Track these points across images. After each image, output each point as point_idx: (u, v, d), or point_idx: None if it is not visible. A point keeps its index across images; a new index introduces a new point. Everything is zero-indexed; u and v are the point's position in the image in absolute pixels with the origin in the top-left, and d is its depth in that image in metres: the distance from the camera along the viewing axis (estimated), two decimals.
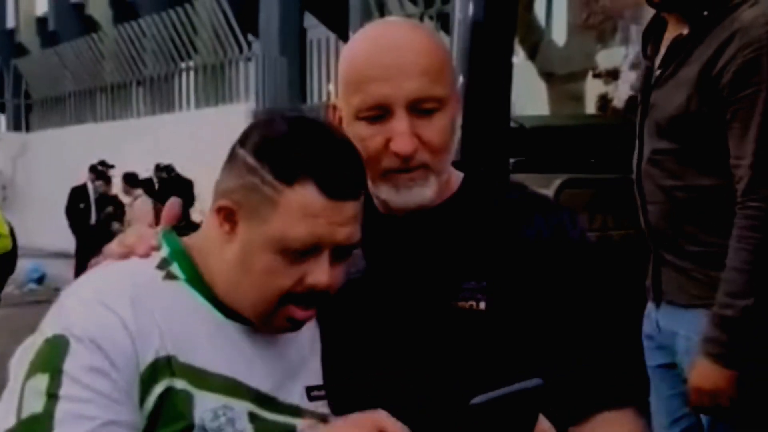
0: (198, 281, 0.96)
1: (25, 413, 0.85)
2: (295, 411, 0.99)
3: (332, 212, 0.90)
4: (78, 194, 10.08)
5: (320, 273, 0.92)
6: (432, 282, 1.04)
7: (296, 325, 0.96)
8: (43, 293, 9.39)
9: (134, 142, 12.02)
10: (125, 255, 0.98)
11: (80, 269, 9.75)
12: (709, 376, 1.65)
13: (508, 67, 2.12)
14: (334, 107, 1.09)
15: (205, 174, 9.03)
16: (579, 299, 1.05)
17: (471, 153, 1.69)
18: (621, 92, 5.48)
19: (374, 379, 1.04)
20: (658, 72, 1.80)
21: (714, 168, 1.70)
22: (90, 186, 10.05)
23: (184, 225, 1.06)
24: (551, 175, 2.16)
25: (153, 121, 12.70)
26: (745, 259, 1.63)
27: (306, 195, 0.90)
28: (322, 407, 1.02)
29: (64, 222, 10.02)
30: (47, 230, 12.58)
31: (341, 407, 1.02)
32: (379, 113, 1.02)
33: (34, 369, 0.87)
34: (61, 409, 0.85)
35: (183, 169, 10.70)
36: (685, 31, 1.74)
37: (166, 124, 12.18)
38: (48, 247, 11.71)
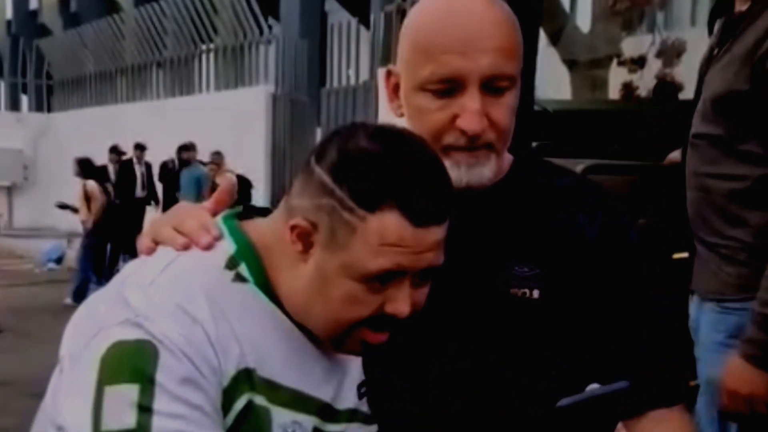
0: (266, 287, 0.89)
1: (113, 426, 0.77)
2: (352, 415, 0.96)
3: (417, 240, 0.83)
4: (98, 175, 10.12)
5: (401, 302, 0.85)
6: (484, 264, 1.02)
7: (368, 347, 0.91)
8: (63, 273, 9.47)
9: (154, 124, 12.06)
10: (186, 245, 0.89)
11: (101, 250, 9.85)
12: (746, 380, 1.56)
13: (532, 52, 2.08)
14: (389, 73, 1.04)
15: (225, 156, 8.96)
16: (632, 292, 1.03)
17: None
18: (646, 80, 5.41)
19: (423, 369, 1.01)
20: (715, 51, 1.75)
21: (747, 158, 1.66)
22: (110, 167, 10.12)
23: (243, 208, 0.96)
24: (574, 160, 2.12)
25: (172, 103, 12.72)
26: None
27: (389, 223, 0.82)
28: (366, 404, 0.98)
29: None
30: (66, 211, 12.68)
31: (385, 400, 0.99)
32: (449, 87, 0.97)
33: (118, 375, 0.78)
34: (158, 425, 0.77)
35: (203, 151, 10.71)
36: (744, 8, 1.68)
37: (186, 105, 12.19)
38: (68, 227, 11.78)
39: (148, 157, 10.60)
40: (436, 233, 0.84)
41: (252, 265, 0.88)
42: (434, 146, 0.96)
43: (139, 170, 10.46)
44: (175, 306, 0.81)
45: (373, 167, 0.82)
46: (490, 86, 0.97)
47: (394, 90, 1.04)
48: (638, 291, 1.03)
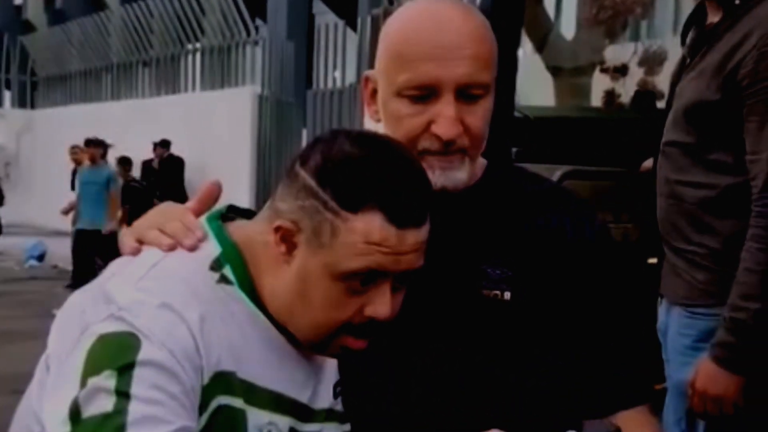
0: (250, 289, 0.90)
1: (92, 411, 0.78)
2: (328, 414, 0.97)
3: (398, 241, 0.85)
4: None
5: (381, 304, 0.87)
6: (457, 266, 1.04)
7: (348, 352, 0.92)
8: (44, 270, 9.41)
9: (138, 123, 12.01)
10: (172, 246, 0.90)
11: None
12: (715, 381, 1.60)
13: (513, 58, 2.12)
14: (367, 79, 1.07)
15: (209, 156, 8.98)
16: (599, 294, 1.06)
17: None
18: (628, 87, 5.47)
19: (393, 368, 1.03)
20: (687, 61, 1.79)
21: (717, 167, 1.69)
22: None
23: (227, 209, 0.98)
24: (553, 165, 2.15)
25: (158, 102, 12.67)
26: (759, 260, 1.57)
27: (371, 223, 0.84)
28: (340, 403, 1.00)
29: (65, 200, 10.01)
30: (49, 208, 12.59)
31: (358, 400, 1.01)
32: (425, 93, 0.99)
33: (100, 366, 0.79)
34: (134, 409, 0.77)
35: (187, 152, 10.70)
36: (716, 20, 1.72)
37: (171, 105, 12.15)
38: (49, 225, 11.72)
39: (132, 154, 10.54)
40: (417, 235, 0.87)
41: (236, 267, 0.90)
42: (410, 150, 0.99)
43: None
44: (161, 304, 0.83)
45: (356, 170, 0.85)
46: (465, 93, 1.00)
47: (372, 95, 1.06)
48: (606, 294, 1.06)
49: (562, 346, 1.04)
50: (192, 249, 0.90)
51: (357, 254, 0.85)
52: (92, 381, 0.79)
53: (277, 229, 0.88)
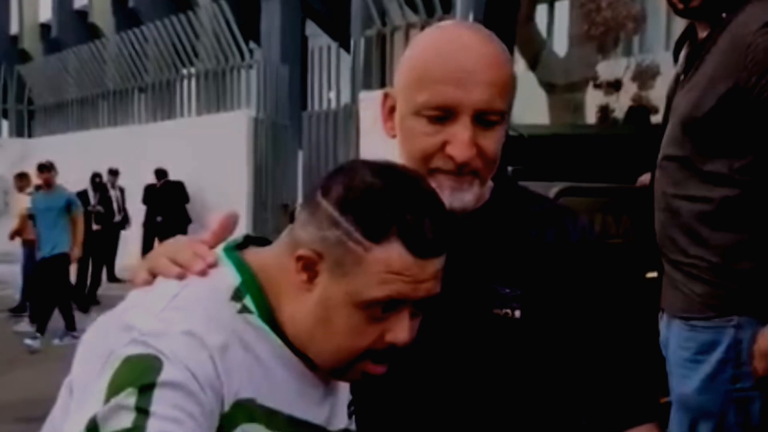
0: (270, 317, 0.92)
1: (112, 427, 0.79)
2: None
3: (418, 270, 0.88)
4: (79, 200, 10.10)
5: (401, 331, 0.89)
6: (468, 285, 1.06)
7: (367, 377, 0.94)
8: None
9: (135, 148, 12.04)
10: (181, 275, 0.92)
11: (82, 272, 9.81)
12: None
13: None
14: (386, 95, 1.10)
15: (206, 179, 8.99)
16: (606, 311, 1.08)
17: None
18: (622, 103, 5.50)
19: (405, 387, 1.05)
20: (681, 77, 1.82)
21: (712, 179, 1.71)
22: (91, 194, 10.11)
23: (243, 239, 0.99)
24: (549, 183, 2.17)
25: (154, 128, 12.72)
26: None
27: (393, 254, 0.86)
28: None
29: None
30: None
31: (372, 418, 1.03)
32: (442, 114, 1.02)
33: (122, 386, 0.81)
34: (153, 426, 0.79)
35: (185, 175, 10.73)
36: (705, 35, 1.76)
37: (167, 130, 12.20)
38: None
39: (131, 180, 10.60)
40: (436, 264, 0.89)
41: (256, 296, 0.92)
42: (422, 168, 1.02)
43: (114, 195, 10.47)
44: (184, 331, 0.85)
45: (378, 201, 0.87)
46: (482, 119, 1.02)
47: (390, 112, 1.09)
48: (609, 303, 1.08)
49: (569, 364, 1.06)
50: (201, 274, 0.92)
51: (379, 283, 0.87)
52: (114, 400, 0.80)
53: (299, 258, 0.90)
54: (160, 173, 10.78)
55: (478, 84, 1.01)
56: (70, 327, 7.15)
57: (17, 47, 21.59)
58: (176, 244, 0.99)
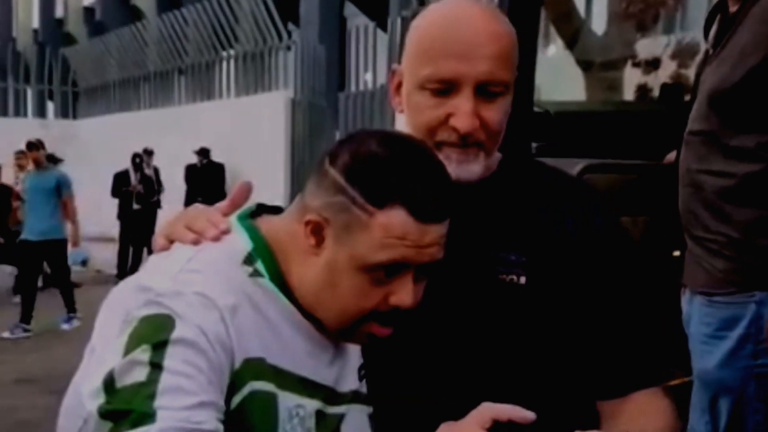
0: (279, 281, 0.96)
1: (126, 381, 0.83)
2: (353, 397, 1.02)
3: (421, 235, 0.90)
4: (120, 180, 10.32)
5: (404, 294, 0.92)
6: (474, 252, 1.08)
7: (373, 340, 0.97)
8: (87, 275, 9.63)
9: (175, 129, 12.22)
10: (196, 240, 0.97)
11: (123, 252, 10.02)
12: None
13: (531, 53, 2.14)
14: (394, 72, 1.12)
15: (244, 160, 9.09)
16: (614, 279, 1.09)
17: None
18: (659, 81, 5.41)
19: (413, 351, 1.07)
20: (710, 51, 1.81)
21: (737, 154, 1.70)
22: (132, 175, 10.29)
23: (256, 207, 1.03)
24: (573, 159, 2.17)
25: (194, 109, 12.88)
26: None
27: (396, 219, 0.89)
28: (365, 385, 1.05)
29: (107, 207, 10.26)
30: (91, 215, 12.86)
31: (381, 381, 1.05)
32: (445, 87, 1.04)
33: (137, 344, 0.85)
34: (165, 380, 0.83)
35: (223, 156, 10.86)
36: (735, 8, 1.74)
37: (207, 111, 12.34)
38: (92, 231, 11.98)
39: (171, 161, 10.77)
40: (438, 230, 0.92)
41: (267, 261, 0.96)
42: (428, 141, 1.04)
43: (150, 175, 10.61)
44: (197, 293, 0.88)
45: (382, 168, 0.90)
46: (485, 90, 1.04)
47: (397, 87, 1.12)
48: (617, 282, 1.09)
49: (575, 329, 1.07)
50: (215, 240, 0.96)
51: (382, 247, 0.90)
52: (129, 356, 0.85)
53: (308, 223, 0.93)
54: (203, 152, 10.88)
55: (479, 56, 1.03)
56: (71, 310, 7.06)
57: (62, 30, 22.01)
58: (192, 212, 1.03)
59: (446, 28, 1.05)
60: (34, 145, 7.13)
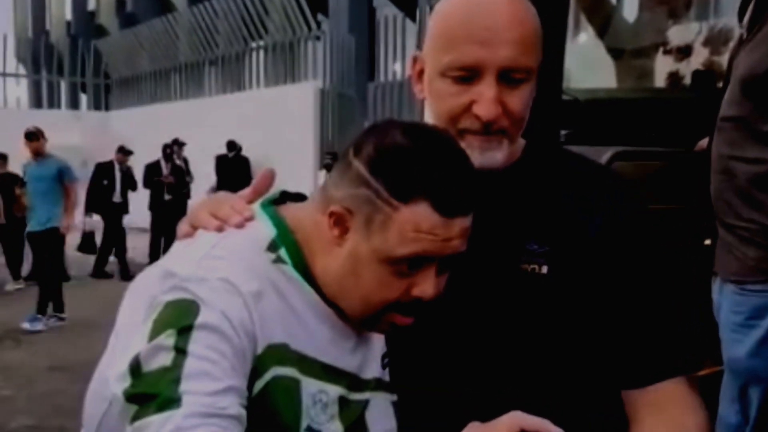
0: (303, 268, 0.96)
1: (152, 366, 0.84)
2: (377, 384, 1.02)
3: (445, 229, 0.90)
4: (152, 171, 10.43)
5: (427, 285, 0.92)
6: (496, 241, 1.07)
7: (396, 329, 0.98)
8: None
9: (206, 120, 12.33)
10: (219, 227, 0.97)
11: (155, 242, 10.14)
12: None
13: (560, 41, 2.12)
14: (415, 59, 1.11)
15: (274, 150, 9.13)
16: (640, 269, 1.07)
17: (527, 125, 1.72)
18: (692, 68, 5.32)
19: (437, 340, 1.07)
20: (744, 36, 1.78)
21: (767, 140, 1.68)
22: (163, 165, 10.39)
23: (280, 195, 1.03)
24: (602, 147, 2.15)
25: (224, 100, 12.98)
26: None
27: (421, 213, 0.89)
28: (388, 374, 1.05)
29: (139, 198, 10.38)
30: None
31: (405, 370, 1.06)
32: (468, 74, 1.02)
33: (162, 329, 0.85)
34: (190, 364, 0.83)
35: (252, 146, 10.94)
36: None
37: (237, 102, 12.43)
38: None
39: (201, 152, 10.87)
40: (462, 223, 0.91)
41: (291, 248, 0.96)
42: (451, 129, 1.03)
43: (180, 165, 10.67)
44: (221, 279, 0.89)
45: (407, 162, 0.89)
46: (507, 77, 1.02)
47: (419, 74, 1.10)
48: (643, 273, 1.07)
49: (599, 319, 1.06)
50: (238, 226, 0.97)
51: (406, 241, 0.89)
52: (155, 340, 0.85)
53: (331, 215, 0.93)
54: (232, 145, 10.98)
55: (502, 42, 1.01)
56: (58, 309, 6.82)
57: (94, 22, 22.28)
58: (216, 199, 1.04)
59: (468, 14, 1.03)
60: (34, 135, 6.86)
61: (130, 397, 0.83)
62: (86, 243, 9.97)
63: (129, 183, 9.92)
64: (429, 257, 0.91)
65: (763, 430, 1.71)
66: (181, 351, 0.84)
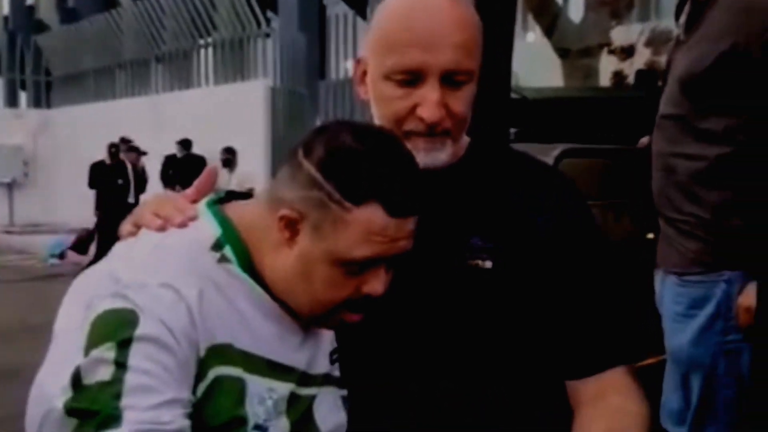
0: (249, 267, 0.96)
1: (91, 380, 0.83)
2: (325, 379, 1.03)
3: (395, 230, 0.92)
4: (97, 170, 10.23)
5: (377, 283, 0.94)
6: (442, 237, 1.09)
7: (344, 325, 0.99)
8: (65, 267, 9.57)
9: (153, 119, 12.13)
10: (162, 227, 0.97)
11: (102, 244, 9.94)
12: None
13: (509, 39, 2.17)
14: (358, 61, 1.12)
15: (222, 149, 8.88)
16: (582, 262, 1.10)
17: (473, 123, 1.75)
18: (635, 68, 5.48)
19: (384, 335, 1.09)
20: (681, 36, 1.84)
21: (707, 137, 1.74)
22: (108, 162, 10.19)
23: (225, 194, 1.03)
24: (550, 145, 2.21)
25: (171, 98, 12.78)
26: None
27: (372, 215, 0.90)
28: (338, 369, 1.06)
29: (83, 198, 10.18)
30: (67, 206, 12.74)
31: (353, 365, 1.07)
32: (410, 78, 1.04)
33: (101, 339, 0.85)
34: (130, 379, 0.83)
35: (202, 145, 10.81)
36: None
37: (185, 100, 12.26)
38: (68, 222, 11.88)
39: (149, 151, 10.68)
40: (411, 223, 0.94)
41: (236, 247, 0.96)
42: (396, 131, 1.05)
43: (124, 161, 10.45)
44: (161, 282, 0.88)
45: (359, 164, 0.90)
46: (450, 79, 1.04)
47: (362, 76, 1.12)
48: (584, 268, 1.10)
49: (543, 313, 1.09)
50: (182, 226, 0.97)
51: (358, 243, 0.91)
52: (94, 352, 0.85)
53: (282, 218, 0.93)
54: (186, 144, 10.75)
55: (444, 45, 1.02)
56: None
57: (33, 17, 21.68)
58: (159, 199, 1.04)
59: (410, 16, 1.04)
60: None
61: (71, 410, 0.84)
62: (82, 243, 9.75)
63: (142, 184, 9.76)
64: (380, 258, 0.93)
65: (704, 416, 1.78)
66: (121, 365, 0.84)
